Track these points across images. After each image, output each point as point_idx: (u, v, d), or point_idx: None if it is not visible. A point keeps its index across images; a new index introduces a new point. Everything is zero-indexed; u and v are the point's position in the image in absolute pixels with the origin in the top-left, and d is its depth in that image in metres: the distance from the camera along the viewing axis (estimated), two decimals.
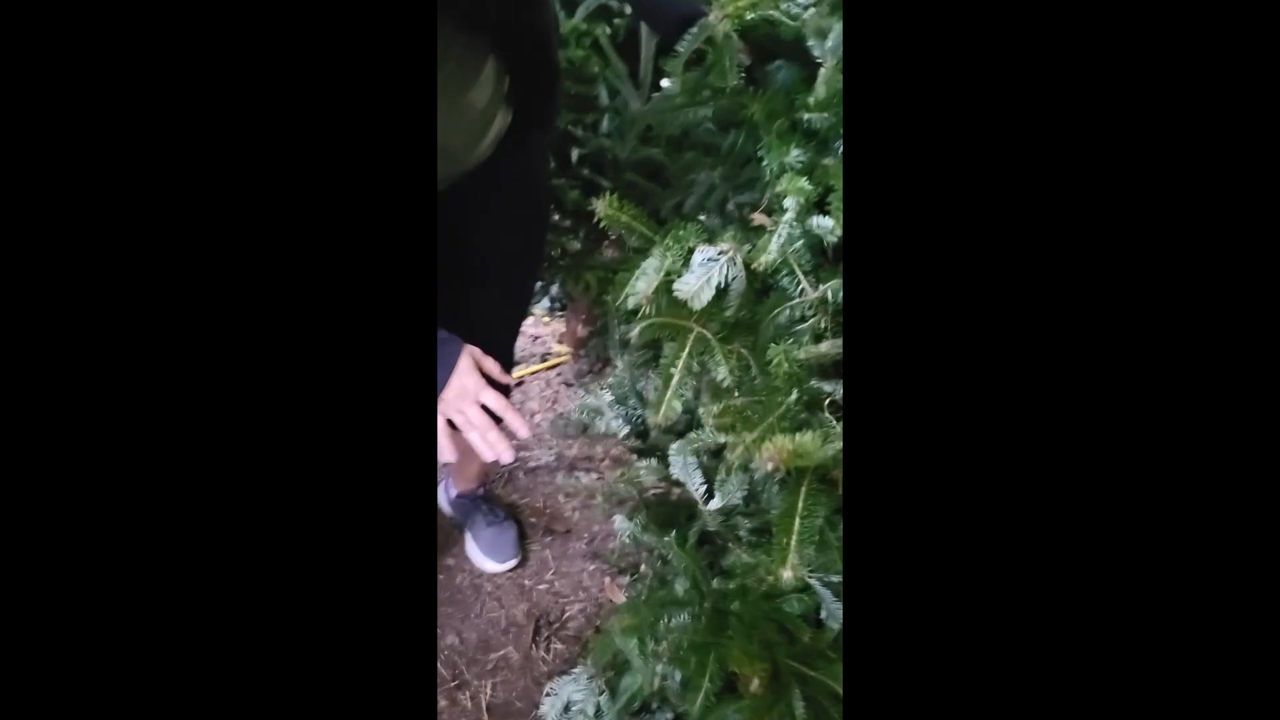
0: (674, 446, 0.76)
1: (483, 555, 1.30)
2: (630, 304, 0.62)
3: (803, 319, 0.65)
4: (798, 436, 0.52)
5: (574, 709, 0.91)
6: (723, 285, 0.59)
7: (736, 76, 0.68)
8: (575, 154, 1.45)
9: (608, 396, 0.92)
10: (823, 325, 0.62)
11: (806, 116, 0.63)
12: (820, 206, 0.61)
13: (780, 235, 0.58)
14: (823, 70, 0.65)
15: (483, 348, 0.72)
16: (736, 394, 0.63)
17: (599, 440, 1.50)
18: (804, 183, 0.57)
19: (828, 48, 0.64)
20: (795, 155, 0.60)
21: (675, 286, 0.59)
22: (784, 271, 0.61)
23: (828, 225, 0.57)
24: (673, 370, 0.61)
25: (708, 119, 0.87)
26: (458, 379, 0.68)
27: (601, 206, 0.62)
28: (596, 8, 1.35)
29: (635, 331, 0.64)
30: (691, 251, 0.61)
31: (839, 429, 0.58)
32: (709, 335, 0.61)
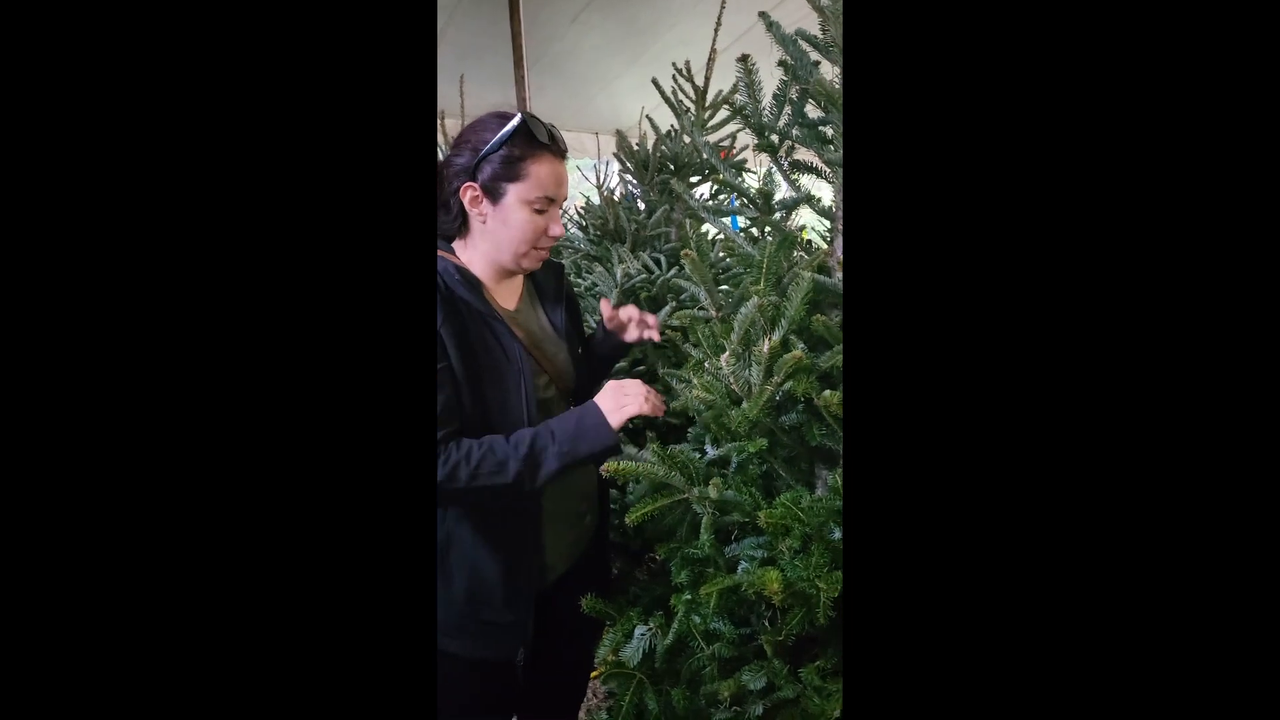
0: None
1: None
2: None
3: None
4: None
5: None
6: (648, 650, 0.98)
7: None
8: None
9: None
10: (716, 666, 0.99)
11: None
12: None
13: (676, 624, 0.95)
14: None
15: None
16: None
17: None
18: (686, 596, 0.95)
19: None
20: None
21: (622, 654, 0.99)
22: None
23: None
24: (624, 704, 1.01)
25: None
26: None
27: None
28: None
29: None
30: (634, 627, 1.00)
31: None
32: (645, 681, 1.00)
